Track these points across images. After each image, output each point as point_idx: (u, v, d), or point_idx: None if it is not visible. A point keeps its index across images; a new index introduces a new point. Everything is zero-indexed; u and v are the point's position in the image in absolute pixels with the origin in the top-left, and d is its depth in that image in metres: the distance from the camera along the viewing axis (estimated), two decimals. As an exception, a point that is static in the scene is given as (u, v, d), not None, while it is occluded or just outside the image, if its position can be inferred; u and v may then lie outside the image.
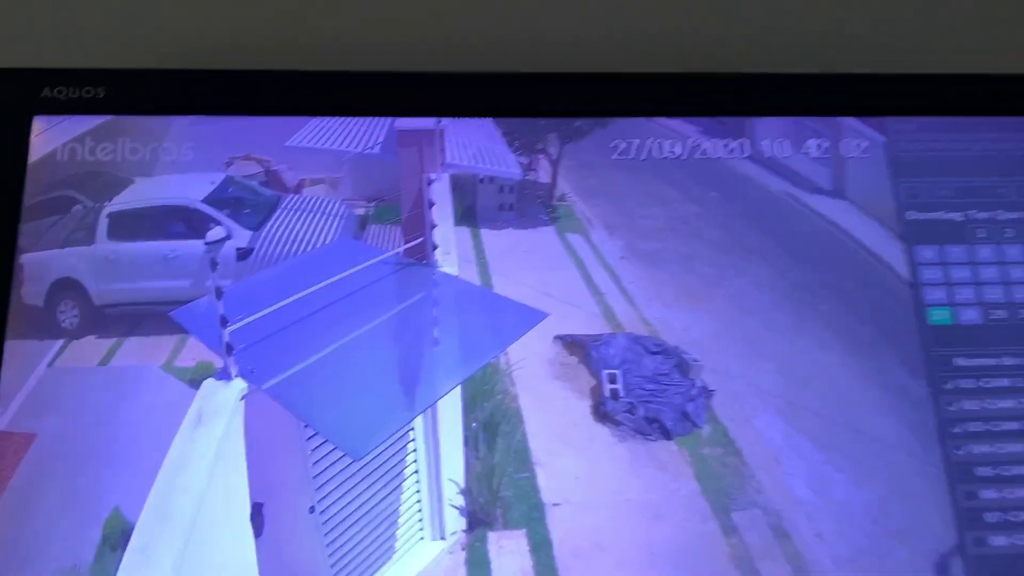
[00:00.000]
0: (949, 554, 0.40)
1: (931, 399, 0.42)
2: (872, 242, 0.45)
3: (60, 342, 0.40)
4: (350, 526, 0.38)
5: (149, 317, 0.41)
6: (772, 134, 0.46)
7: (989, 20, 0.55)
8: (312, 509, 0.38)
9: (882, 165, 0.46)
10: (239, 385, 0.40)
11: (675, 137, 0.46)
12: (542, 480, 0.40)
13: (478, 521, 0.39)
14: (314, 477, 0.39)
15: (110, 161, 0.43)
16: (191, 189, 0.43)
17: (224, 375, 0.40)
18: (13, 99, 0.43)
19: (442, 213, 0.43)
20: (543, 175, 0.45)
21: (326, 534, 0.38)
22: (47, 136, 0.43)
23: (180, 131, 0.43)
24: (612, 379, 0.41)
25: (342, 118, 0.44)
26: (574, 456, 0.40)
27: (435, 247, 0.43)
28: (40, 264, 0.41)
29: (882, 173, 0.46)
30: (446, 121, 0.45)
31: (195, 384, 0.40)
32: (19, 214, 0.41)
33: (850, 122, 0.47)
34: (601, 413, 0.41)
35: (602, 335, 0.42)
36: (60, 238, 0.41)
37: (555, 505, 0.39)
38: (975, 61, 0.50)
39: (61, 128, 0.43)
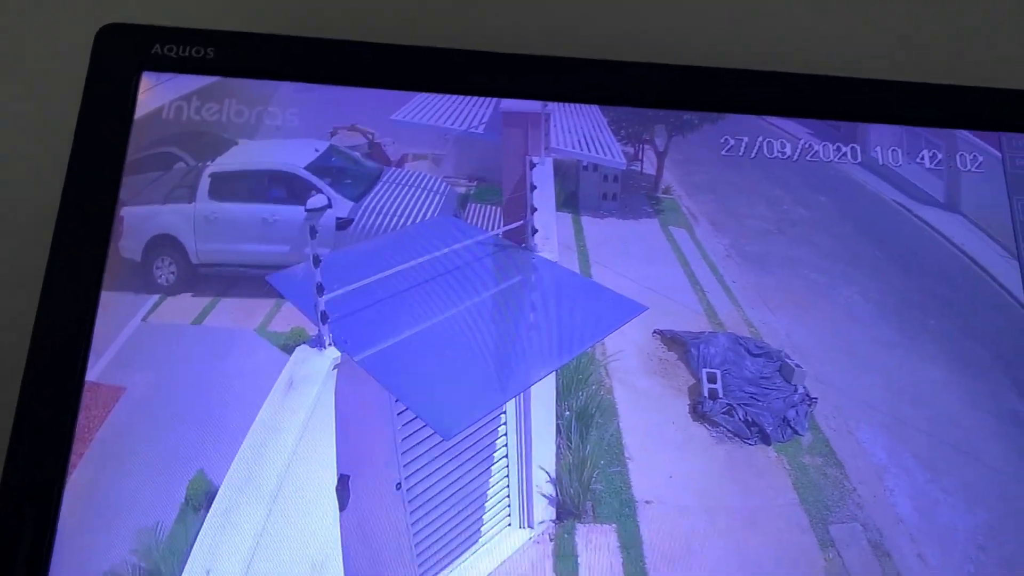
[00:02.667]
0: (1060, 589, 0.38)
1: (1043, 425, 0.40)
2: (986, 259, 0.43)
3: (155, 297, 0.39)
4: (436, 506, 0.37)
5: (245, 279, 0.40)
6: (885, 141, 0.45)
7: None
8: (399, 486, 0.37)
9: (999, 181, 0.45)
10: (332, 354, 0.39)
11: (785, 137, 0.44)
12: (635, 476, 0.38)
13: (567, 512, 0.37)
14: (402, 453, 0.38)
15: (215, 121, 0.42)
16: (294, 155, 0.42)
17: (318, 343, 0.39)
18: (124, 53, 0.42)
19: (544, 198, 0.42)
20: (648, 166, 0.44)
21: (411, 512, 0.37)
22: (154, 93, 0.42)
23: (286, 97, 0.43)
24: (711, 379, 0.40)
25: (448, 95, 0.44)
26: (669, 454, 0.39)
27: (535, 231, 0.42)
28: (139, 219, 0.40)
29: (998, 189, 0.44)
30: (552, 106, 0.44)
31: (288, 350, 0.39)
32: (122, 168, 0.41)
33: (965, 135, 0.45)
34: (699, 413, 0.39)
35: (703, 333, 0.41)
36: (161, 194, 0.41)
37: (647, 503, 0.38)
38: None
39: (168, 86, 0.43)
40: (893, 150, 0.45)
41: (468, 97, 0.44)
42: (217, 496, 0.36)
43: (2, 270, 0.45)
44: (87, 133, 0.41)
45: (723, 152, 0.44)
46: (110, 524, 0.36)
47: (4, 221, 0.46)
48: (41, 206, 0.42)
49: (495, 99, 0.44)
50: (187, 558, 0.35)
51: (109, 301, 0.39)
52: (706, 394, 0.40)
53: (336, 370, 0.39)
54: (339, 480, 0.37)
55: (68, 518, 0.36)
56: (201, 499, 0.36)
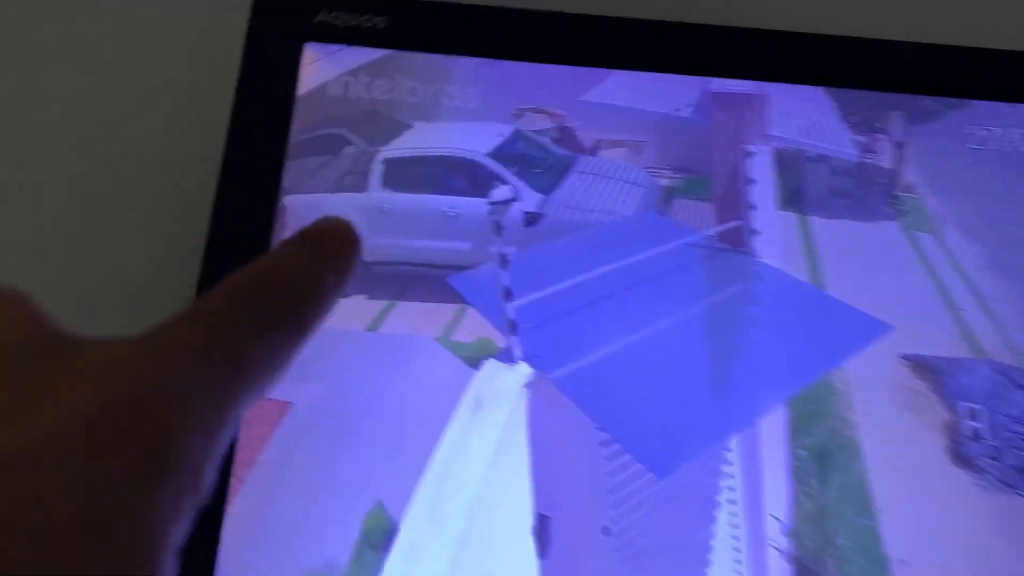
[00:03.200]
0: None
1: None
2: None
3: (323, 299, 0.34)
4: (651, 557, 0.31)
5: (423, 280, 0.35)
6: None
7: None
8: (607, 531, 0.31)
9: None
10: (523, 370, 0.33)
11: (1050, 129, 0.37)
12: (887, 530, 0.32)
13: (807, 571, 0.31)
14: (609, 492, 0.32)
15: (387, 101, 0.37)
16: (476, 140, 0.37)
17: (507, 357, 0.33)
18: (285, 21, 0.38)
19: (763, 194, 0.36)
20: (885, 159, 0.37)
21: (622, 562, 0.31)
22: (319, 67, 0.37)
23: (466, 74, 0.38)
24: (973, 415, 0.33)
25: (649, 74, 0.38)
26: (926, 504, 0.32)
27: (754, 233, 0.36)
28: (306, 208, 0.35)
29: None
30: (770, 87, 0.38)
31: (473, 363, 0.33)
32: (285, 151, 0.36)
33: None
34: (959, 455, 0.33)
35: (960, 360, 0.34)
36: (329, 181, 0.36)
37: (902, 563, 0.31)
38: None
39: (335, 59, 0.38)
40: None
41: (672, 76, 0.38)
42: (399, 535, 0.31)
43: (156, 268, 0.41)
44: (245, 113, 0.37)
45: (971, 145, 0.37)
46: (275, 563, 0.31)
47: (158, 212, 0.42)
48: (196, 196, 0.38)
49: (704, 78, 0.38)
50: (365, 606, 0.30)
51: (271, 302, 0.34)
52: (967, 433, 0.33)
53: (528, 389, 0.33)
54: (537, 521, 0.31)
55: (228, 552, 0.31)
56: (379, 537, 0.31)
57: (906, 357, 0.34)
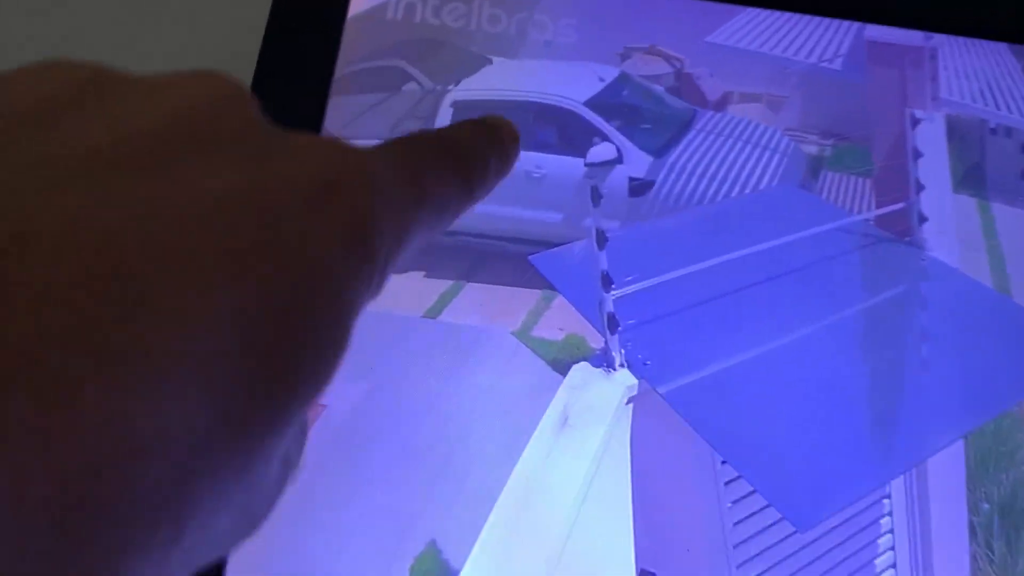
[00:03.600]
0: None
1: None
2: None
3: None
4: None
5: (499, 256, 0.27)
6: None
7: None
8: (730, 593, 0.24)
9: None
10: (626, 380, 0.26)
11: None
12: (1098, 618, 0.24)
13: (993, 666, 0.24)
14: (735, 547, 0.24)
15: (460, 29, 0.30)
16: (571, 85, 0.29)
17: (604, 361, 0.26)
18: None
19: (934, 171, 0.29)
20: (1089, 135, 0.29)
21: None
22: (376, -16, 0.30)
23: (560, 1, 0.30)
24: None
25: (790, 14, 0.30)
26: None
27: (923, 219, 0.28)
28: (353, 158, 0.28)
29: None
30: (940, 38, 0.30)
31: (560, 366, 0.26)
32: (329, 83, 0.29)
33: None
34: None
35: None
36: (384, 125, 0.29)
37: (1119, 664, 0.24)
38: None
39: (396, -24, 0.30)
40: None
41: (820, 19, 0.30)
42: (458, 585, 0.24)
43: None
44: (280, 35, 0.29)
45: None
46: (299, 614, 0.23)
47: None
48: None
49: (858, 24, 0.30)
50: None
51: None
52: None
53: (632, 405, 0.26)
54: (640, 573, 0.24)
55: (237, 597, 0.24)
56: (432, 587, 0.24)
57: (1120, 389, 0.26)
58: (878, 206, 0.28)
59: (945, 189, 0.28)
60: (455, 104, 0.29)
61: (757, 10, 0.30)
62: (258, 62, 0.29)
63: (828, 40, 0.30)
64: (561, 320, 0.27)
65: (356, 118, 0.29)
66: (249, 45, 0.29)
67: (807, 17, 0.30)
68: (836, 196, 0.29)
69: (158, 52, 0.36)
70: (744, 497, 0.25)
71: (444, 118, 0.29)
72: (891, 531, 0.25)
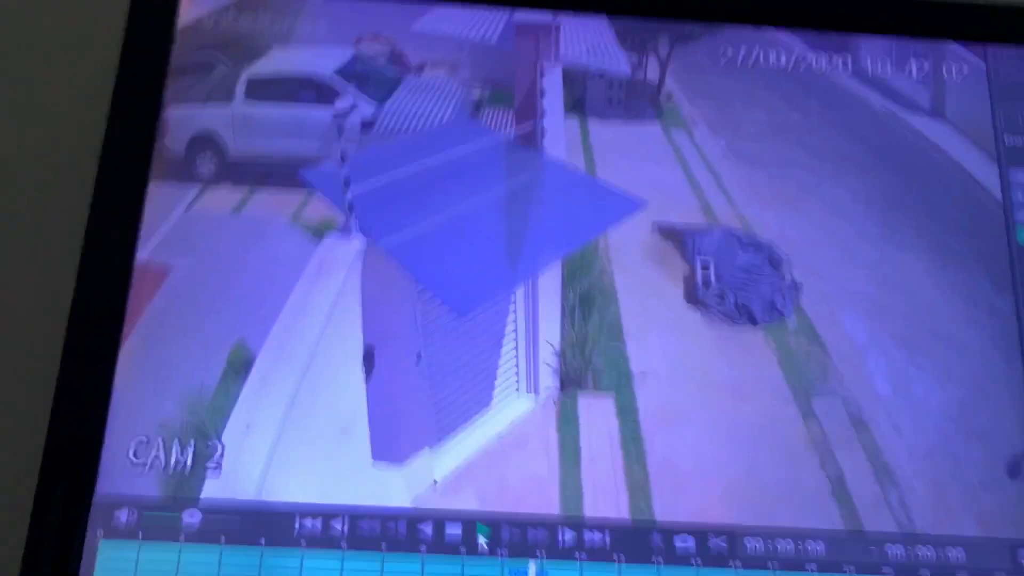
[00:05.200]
0: (1021, 455, 0.41)
1: (1016, 314, 0.43)
2: (967, 162, 0.46)
3: (197, 188, 0.43)
4: (453, 374, 0.41)
5: (279, 174, 0.44)
6: (874, 53, 0.48)
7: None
8: (419, 356, 0.41)
9: (982, 90, 0.47)
10: (358, 241, 0.43)
11: (781, 47, 0.47)
12: (632, 351, 0.42)
13: (570, 382, 0.41)
14: (422, 328, 0.41)
15: (251, 30, 0.46)
16: (323, 61, 0.45)
17: (345, 231, 0.43)
18: (166, -31, 0.46)
19: (552, 103, 0.46)
20: (652, 74, 0.47)
21: (430, 378, 0.41)
22: (195, 4, 0.46)
23: (315, 8, 0.46)
24: (705, 266, 0.43)
25: (465, 7, 0.47)
26: (664, 334, 0.42)
27: (544, 133, 0.45)
28: (183, 118, 0.44)
29: (982, 97, 0.47)
30: (563, 16, 0.47)
31: (318, 236, 0.43)
32: (166, 72, 0.45)
33: (952, 47, 0.48)
34: (692, 297, 0.43)
35: (699, 226, 0.44)
36: (202, 95, 0.45)
37: (643, 374, 0.41)
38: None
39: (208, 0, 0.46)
40: (882, 61, 0.47)
41: (484, 9, 0.47)
42: (255, 363, 0.40)
43: (58, 165, 0.49)
44: (135, 42, 0.45)
45: (722, 62, 0.47)
46: (160, 384, 0.40)
47: (61, 121, 0.50)
48: (93, 108, 0.46)
49: (509, 10, 0.47)
50: (230, 414, 0.39)
51: (157, 192, 0.43)
52: (700, 281, 0.43)
53: (362, 254, 0.42)
54: (365, 350, 0.41)
55: (123, 379, 0.40)
56: (240, 366, 0.40)
57: (657, 224, 0.44)
58: (516, 127, 0.45)
59: (559, 114, 0.46)
60: (249, 78, 0.45)
61: (443, 5, 0.47)
62: (120, 60, 0.45)
63: (489, 24, 0.47)
64: (319, 209, 0.43)
65: (184, 93, 0.45)
66: (112, 56, 0.45)
67: (476, 9, 0.47)
68: (492, 123, 0.46)
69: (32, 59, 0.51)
70: (428, 299, 0.42)
71: (241, 87, 0.45)
72: (515, 312, 0.42)
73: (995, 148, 0.46)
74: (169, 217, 0.43)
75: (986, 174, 0.46)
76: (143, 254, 0.42)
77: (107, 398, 0.40)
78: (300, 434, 0.40)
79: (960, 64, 0.48)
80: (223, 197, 0.43)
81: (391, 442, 0.40)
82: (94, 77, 0.47)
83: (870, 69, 0.47)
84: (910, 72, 0.48)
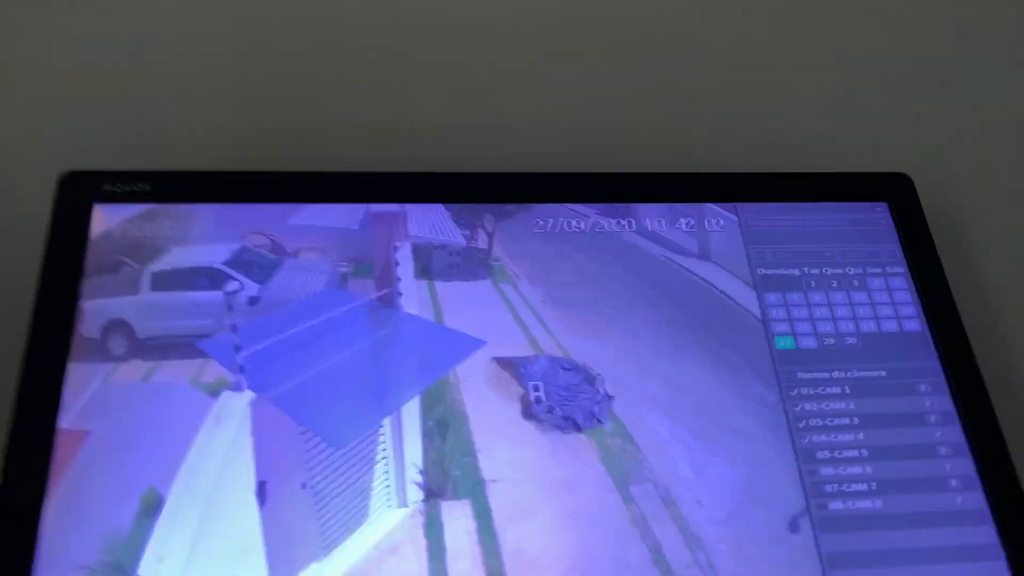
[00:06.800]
0: (799, 515, 0.52)
1: (781, 403, 0.56)
2: (731, 291, 0.59)
3: (111, 365, 0.52)
4: (334, 497, 0.49)
5: (181, 346, 0.53)
6: (652, 215, 0.62)
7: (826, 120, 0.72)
8: (304, 484, 0.49)
9: (737, 237, 0.62)
10: (248, 395, 0.52)
11: (579, 217, 0.61)
12: (483, 463, 0.51)
13: (433, 493, 0.50)
14: (306, 461, 0.50)
15: (152, 236, 0.56)
16: (214, 255, 0.56)
17: (237, 387, 0.52)
18: (80, 192, 0.57)
19: (405, 271, 0.57)
20: (482, 243, 0.59)
21: (315, 502, 0.49)
22: (105, 218, 0.56)
23: (206, 214, 0.57)
24: (536, 389, 0.54)
25: (330, 204, 0.59)
26: (507, 445, 0.52)
27: (400, 295, 0.56)
28: (97, 308, 0.53)
29: (737, 242, 0.61)
30: (408, 206, 0.60)
31: (215, 394, 0.51)
32: (82, 273, 0.54)
33: (711, 206, 0.63)
34: (528, 413, 0.53)
35: (528, 357, 0.55)
36: (114, 289, 0.54)
37: (493, 481, 0.51)
38: (807, 159, 0.67)
39: (116, 212, 0.57)
40: (659, 220, 0.62)
41: (346, 204, 0.59)
42: (165, 504, 0.48)
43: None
44: (55, 251, 0.55)
45: (535, 230, 0.60)
46: (82, 529, 0.47)
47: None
48: (21, 303, 0.54)
49: (366, 204, 0.59)
50: (143, 551, 0.46)
51: (76, 371, 0.51)
52: (533, 400, 0.54)
53: (252, 406, 0.51)
54: (258, 485, 0.49)
55: (48, 529, 0.46)
56: (152, 508, 0.48)
57: (495, 359, 0.55)
58: (377, 292, 0.56)
59: (411, 279, 0.57)
60: (152, 273, 0.55)
61: (314, 204, 0.59)
62: (42, 266, 0.54)
63: (351, 215, 0.59)
64: (215, 372, 0.52)
65: (98, 289, 0.54)
66: (35, 261, 0.54)
67: (340, 205, 0.59)
68: (356, 290, 0.57)
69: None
70: (309, 437, 0.51)
71: (147, 281, 0.55)
72: (385, 441, 0.52)
73: (751, 279, 0.60)
74: (87, 389, 0.51)
75: (747, 299, 0.59)
76: (64, 422, 0.50)
77: (32, 547, 0.46)
78: (206, 559, 0.47)
79: (718, 219, 0.62)
80: (133, 370, 0.52)
81: (284, 560, 0.47)
82: (20, 280, 0.55)
83: (649, 227, 0.61)
84: (680, 227, 0.62)
